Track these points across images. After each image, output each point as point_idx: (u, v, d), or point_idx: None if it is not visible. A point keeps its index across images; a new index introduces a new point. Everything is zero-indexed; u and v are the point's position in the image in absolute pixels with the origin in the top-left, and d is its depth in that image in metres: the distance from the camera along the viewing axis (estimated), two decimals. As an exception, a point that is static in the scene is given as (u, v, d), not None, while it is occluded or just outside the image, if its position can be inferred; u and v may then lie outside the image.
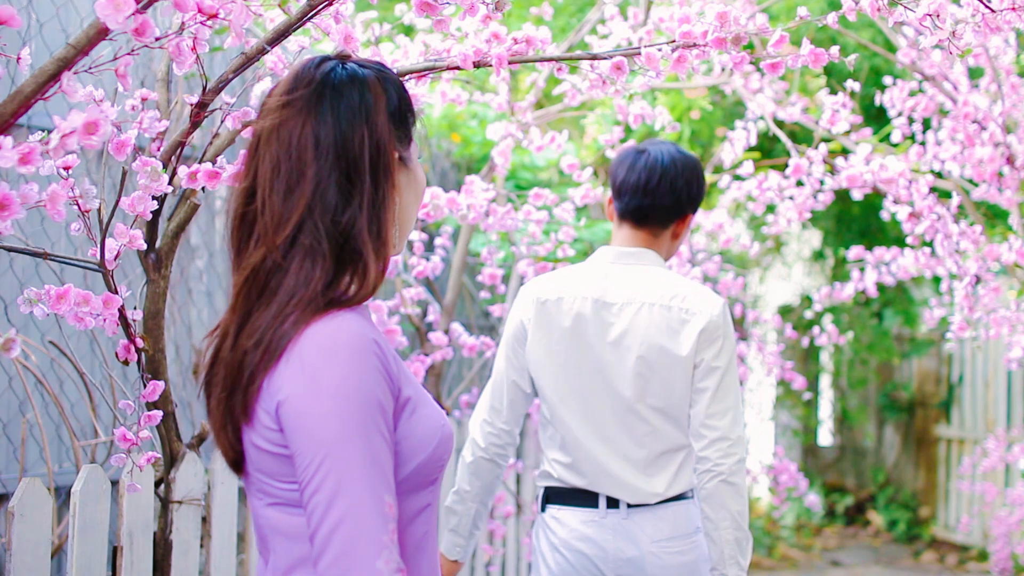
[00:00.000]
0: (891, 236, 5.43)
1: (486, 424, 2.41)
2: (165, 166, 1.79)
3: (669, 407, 2.30)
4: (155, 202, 1.70)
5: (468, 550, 2.43)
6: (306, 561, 1.31)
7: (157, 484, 2.09)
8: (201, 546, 2.20)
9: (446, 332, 3.37)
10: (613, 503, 2.32)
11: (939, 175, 3.59)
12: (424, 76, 1.92)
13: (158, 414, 1.81)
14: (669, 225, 2.42)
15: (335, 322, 1.29)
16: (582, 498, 2.35)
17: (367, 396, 1.26)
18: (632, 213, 2.39)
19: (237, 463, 1.38)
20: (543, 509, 2.41)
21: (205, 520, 2.21)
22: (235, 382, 1.32)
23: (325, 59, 1.40)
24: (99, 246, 1.72)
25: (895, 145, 3.58)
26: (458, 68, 1.90)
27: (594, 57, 1.85)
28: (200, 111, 1.79)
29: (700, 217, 3.91)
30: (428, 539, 1.40)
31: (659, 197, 2.37)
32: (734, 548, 2.20)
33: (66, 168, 1.48)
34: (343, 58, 1.41)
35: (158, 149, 1.85)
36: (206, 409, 1.41)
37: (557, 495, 2.39)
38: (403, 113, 1.41)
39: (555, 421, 2.37)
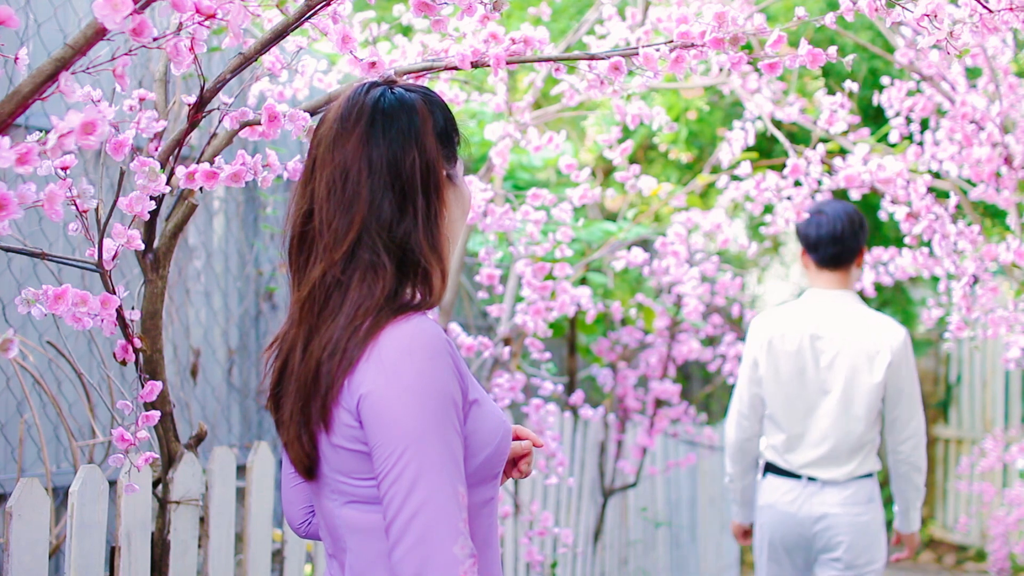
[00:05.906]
0: (889, 236, 5.43)
1: (736, 426, 3.33)
2: (163, 166, 1.78)
3: (865, 414, 3.15)
4: (153, 202, 1.70)
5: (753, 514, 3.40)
6: (384, 555, 1.37)
7: (155, 484, 2.08)
8: (199, 546, 2.20)
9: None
10: (812, 478, 3.18)
11: (937, 175, 3.59)
12: (422, 76, 1.92)
13: (156, 414, 1.81)
14: (854, 260, 3.22)
15: (411, 323, 1.37)
16: (789, 474, 3.22)
17: (443, 391, 1.33)
18: (830, 261, 3.21)
19: (311, 470, 1.44)
20: (763, 476, 3.31)
21: (203, 520, 2.21)
22: (311, 392, 1.38)
23: (373, 84, 1.47)
24: (97, 246, 1.72)
25: (893, 145, 3.58)
26: (456, 68, 1.90)
27: (592, 57, 1.85)
28: (198, 111, 1.79)
29: (698, 217, 3.91)
30: (493, 532, 1.48)
31: (846, 242, 3.18)
32: (917, 501, 3.24)
33: (64, 168, 1.48)
34: (389, 83, 1.49)
35: (156, 149, 1.84)
36: (276, 421, 1.46)
37: (772, 469, 3.27)
38: (449, 133, 1.49)
39: (779, 424, 3.23)
